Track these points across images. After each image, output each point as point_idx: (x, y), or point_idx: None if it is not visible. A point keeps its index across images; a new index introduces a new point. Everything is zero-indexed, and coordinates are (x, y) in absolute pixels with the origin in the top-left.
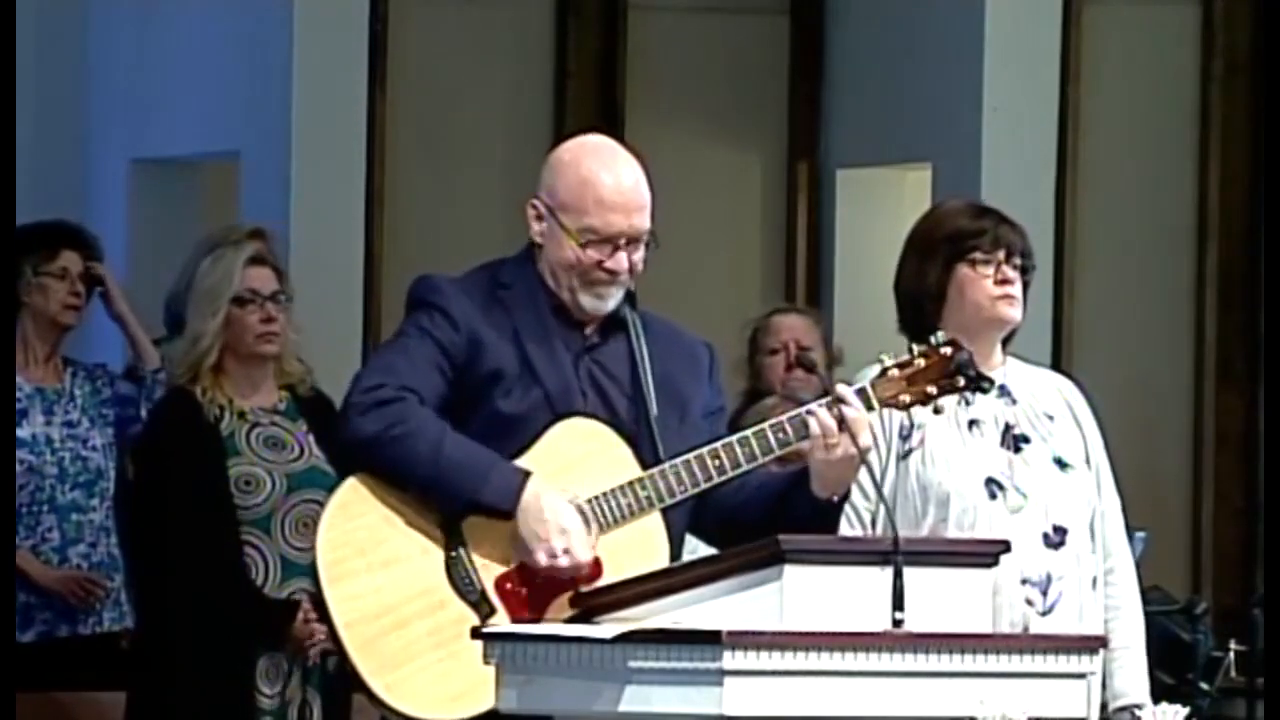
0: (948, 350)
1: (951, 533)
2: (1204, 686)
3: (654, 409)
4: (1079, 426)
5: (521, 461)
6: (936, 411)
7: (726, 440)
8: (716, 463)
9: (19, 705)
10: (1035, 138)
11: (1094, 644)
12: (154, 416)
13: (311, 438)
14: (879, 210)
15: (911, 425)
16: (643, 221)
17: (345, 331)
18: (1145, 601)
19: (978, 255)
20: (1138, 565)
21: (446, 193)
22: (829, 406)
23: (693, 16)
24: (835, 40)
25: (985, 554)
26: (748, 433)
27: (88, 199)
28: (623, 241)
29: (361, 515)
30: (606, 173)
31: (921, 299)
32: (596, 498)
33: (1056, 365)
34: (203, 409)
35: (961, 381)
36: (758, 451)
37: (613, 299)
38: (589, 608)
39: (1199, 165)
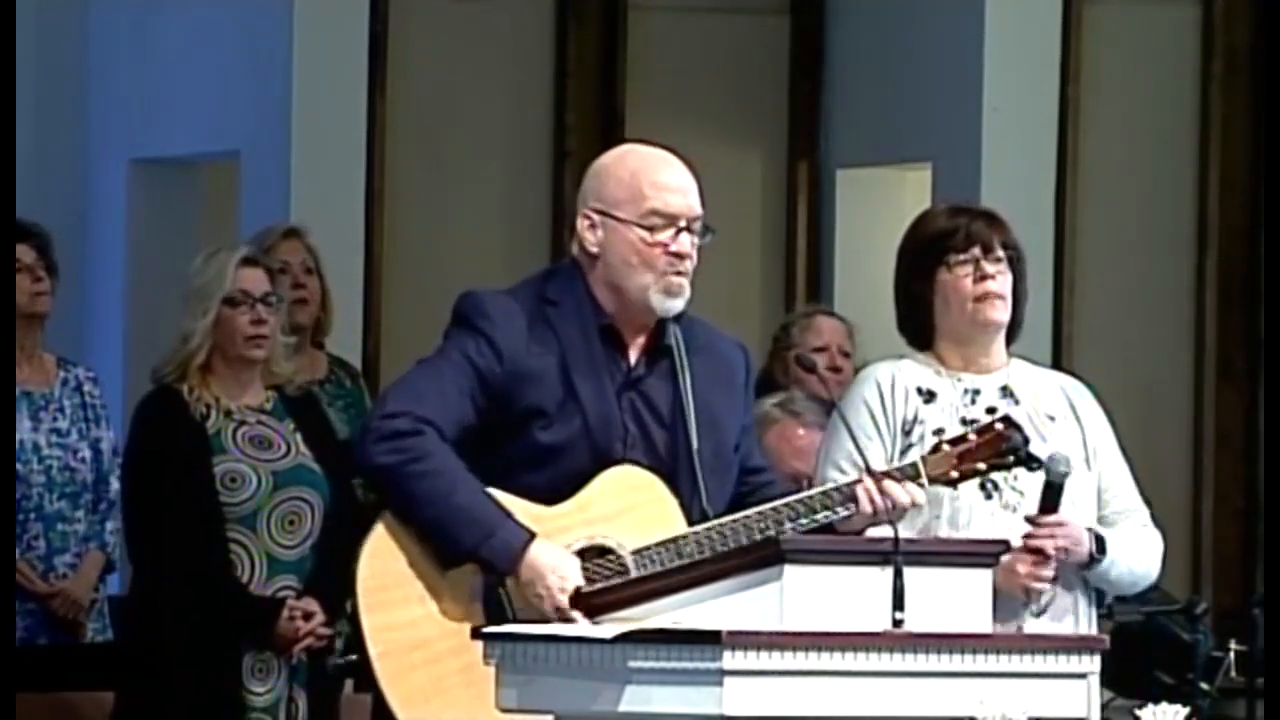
0: (1001, 427)
1: (944, 531)
2: (1204, 686)
3: (696, 444)
4: (1080, 424)
5: (567, 506)
6: (983, 487)
7: (774, 505)
8: (761, 525)
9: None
10: (1035, 138)
11: (1094, 644)
12: (140, 415)
13: (299, 436)
14: (879, 210)
15: (914, 421)
16: (698, 203)
17: (345, 331)
18: (1145, 601)
19: (952, 257)
20: None
21: (446, 193)
22: (876, 480)
23: (693, 16)
24: (835, 40)
25: (985, 554)
26: (796, 499)
27: (88, 199)
28: (683, 223)
29: (404, 545)
30: (653, 160)
31: (913, 307)
32: (641, 550)
33: (1057, 365)
34: (188, 407)
35: (1011, 460)
36: (803, 518)
37: (681, 297)
38: (589, 608)
39: (1199, 165)
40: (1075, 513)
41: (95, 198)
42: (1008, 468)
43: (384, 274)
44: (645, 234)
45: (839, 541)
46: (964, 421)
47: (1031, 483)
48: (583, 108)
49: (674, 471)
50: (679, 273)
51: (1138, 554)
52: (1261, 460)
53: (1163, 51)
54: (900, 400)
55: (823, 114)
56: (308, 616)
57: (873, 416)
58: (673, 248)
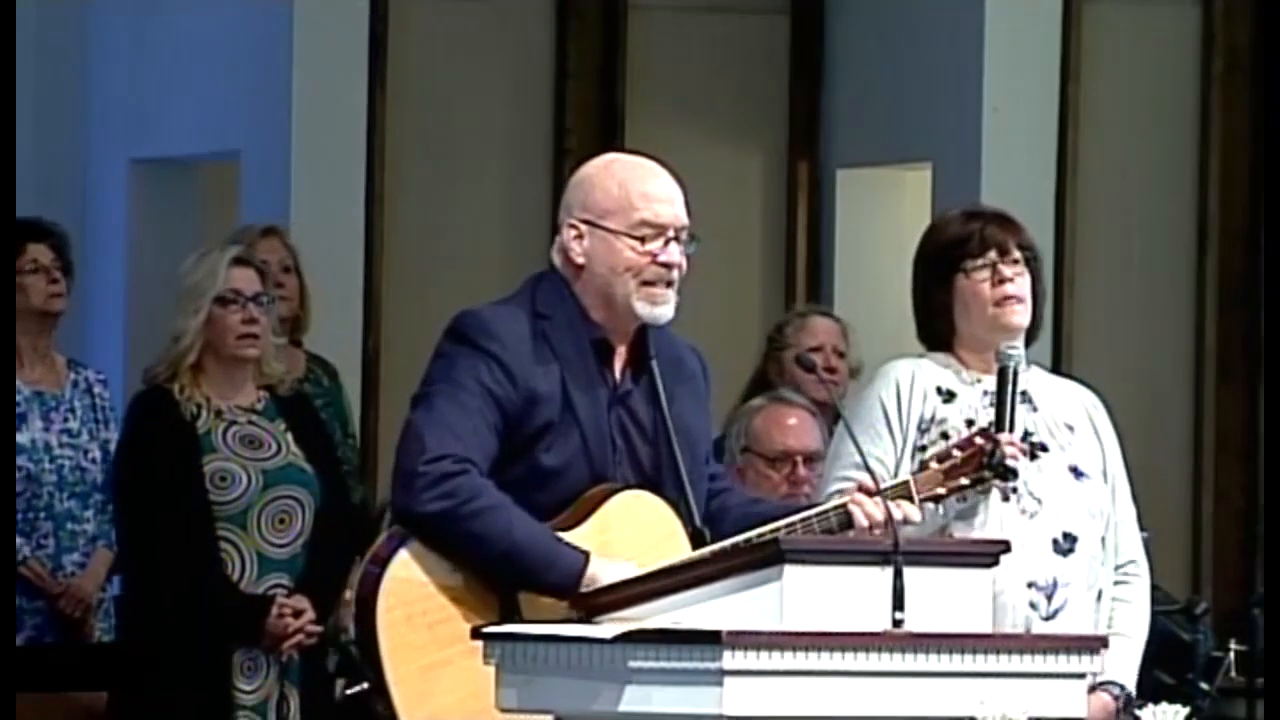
0: (981, 441)
1: (959, 531)
2: (1204, 686)
3: (681, 460)
4: (1099, 439)
5: (579, 533)
6: (963, 500)
7: (774, 527)
8: None
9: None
10: (1035, 138)
11: (1094, 644)
12: (130, 415)
13: (290, 436)
14: (879, 210)
15: (931, 420)
16: (684, 213)
17: (345, 331)
18: None
19: (969, 263)
20: None
21: (446, 193)
22: (869, 496)
23: (693, 16)
24: (835, 40)
25: (985, 554)
26: (794, 519)
27: (88, 199)
28: (671, 233)
29: (425, 573)
30: (640, 170)
31: (932, 314)
32: None
33: (1056, 365)
34: (179, 406)
35: (989, 474)
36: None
37: (669, 305)
38: (589, 608)
39: (1199, 165)
40: (1092, 523)
41: (95, 198)
42: (985, 481)
43: (384, 274)
44: (635, 244)
45: (839, 541)
46: (950, 438)
47: (1051, 491)
48: (583, 108)
49: (659, 487)
50: (668, 283)
51: (1141, 630)
52: (1261, 460)
53: (1163, 51)
54: (918, 399)
55: (823, 114)
56: (297, 614)
57: (886, 415)
58: (662, 258)
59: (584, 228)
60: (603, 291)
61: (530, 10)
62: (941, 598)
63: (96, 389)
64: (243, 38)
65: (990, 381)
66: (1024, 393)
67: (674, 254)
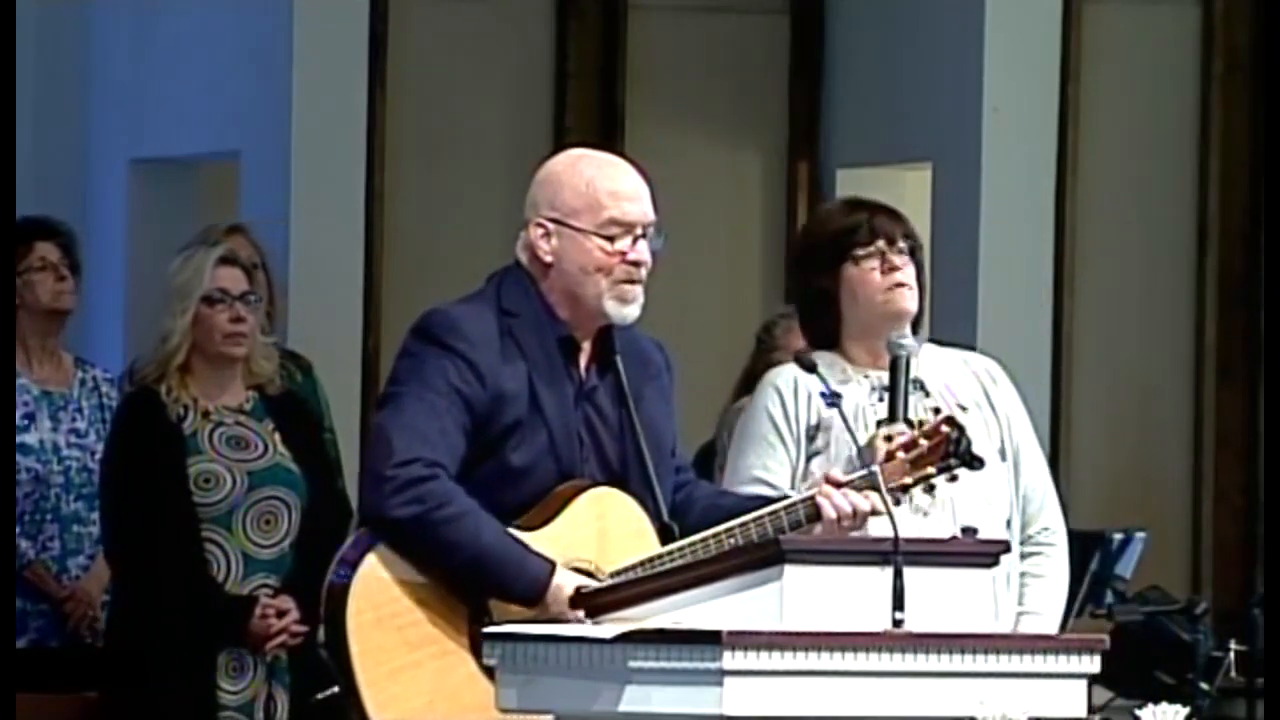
0: (946, 429)
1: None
2: (1204, 686)
3: (648, 455)
4: (996, 416)
5: (547, 531)
6: (930, 489)
7: (742, 520)
8: (732, 541)
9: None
10: (1035, 138)
11: (1094, 644)
12: (117, 417)
13: (278, 436)
14: None
15: (817, 426)
16: (651, 209)
17: (345, 331)
18: (1145, 601)
19: (858, 251)
20: (1137, 565)
21: (446, 193)
22: (836, 488)
23: (693, 16)
24: (835, 40)
25: (985, 554)
26: (762, 513)
27: (88, 199)
28: (639, 231)
29: (394, 576)
30: (607, 168)
31: (818, 306)
32: (618, 573)
33: (1057, 365)
34: (166, 408)
35: (954, 462)
36: (770, 532)
37: (638, 304)
38: (589, 608)
39: (1199, 165)
40: (990, 511)
41: (95, 198)
42: (952, 469)
43: (384, 274)
44: (604, 243)
45: (839, 541)
46: (880, 424)
47: (944, 486)
48: (583, 108)
49: (626, 483)
50: (633, 280)
51: (1055, 605)
52: (1261, 460)
53: (1163, 51)
54: (803, 405)
55: (823, 114)
56: (281, 614)
57: (775, 425)
58: (631, 256)
59: (551, 226)
60: (571, 290)
61: (530, 10)
62: (941, 598)
63: (104, 388)
64: (243, 38)
65: (879, 376)
66: (916, 379)
67: (642, 251)
